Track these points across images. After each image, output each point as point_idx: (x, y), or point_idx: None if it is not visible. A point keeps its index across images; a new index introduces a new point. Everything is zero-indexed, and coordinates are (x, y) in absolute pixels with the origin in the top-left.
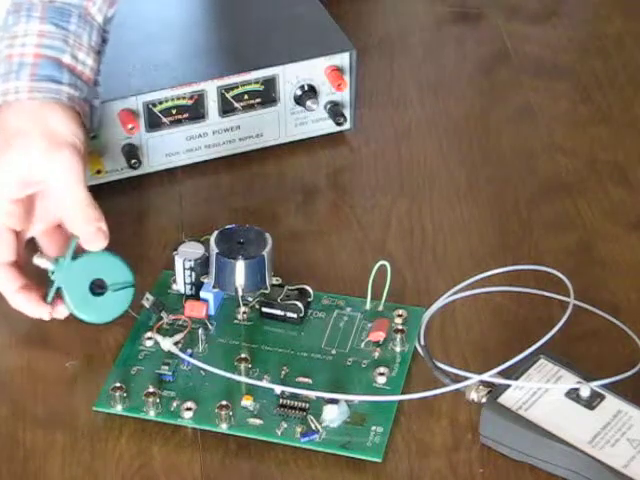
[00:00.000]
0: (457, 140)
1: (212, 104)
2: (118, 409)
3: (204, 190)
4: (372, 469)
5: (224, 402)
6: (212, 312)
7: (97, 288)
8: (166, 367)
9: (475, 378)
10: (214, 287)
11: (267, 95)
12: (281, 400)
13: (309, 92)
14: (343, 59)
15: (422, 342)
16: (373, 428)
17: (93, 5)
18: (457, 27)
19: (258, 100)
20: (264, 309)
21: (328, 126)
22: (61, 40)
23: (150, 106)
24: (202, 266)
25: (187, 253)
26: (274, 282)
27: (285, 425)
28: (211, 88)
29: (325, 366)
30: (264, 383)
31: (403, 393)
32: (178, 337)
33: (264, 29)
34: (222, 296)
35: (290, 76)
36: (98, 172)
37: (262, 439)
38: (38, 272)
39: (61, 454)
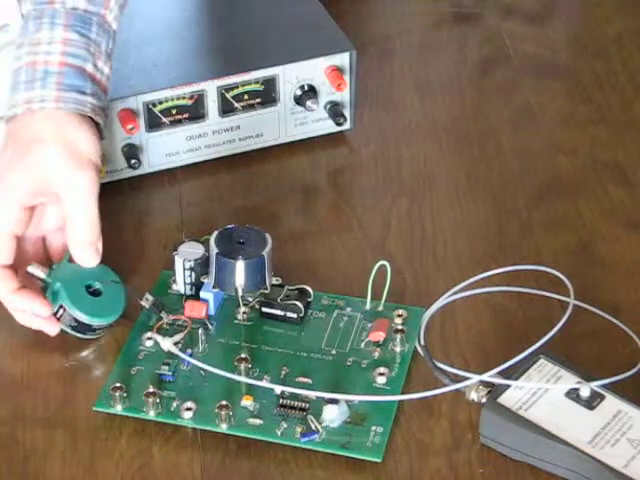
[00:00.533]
0: (457, 140)
1: (212, 104)
2: (118, 409)
3: (204, 190)
4: (372, 469)
5: (224, 402)
6: (212, 312)
7: (91, 293)
8: (166, 367)
9: (475, 378)
10: (214, 287)
11: (267, 95)
12: (281, 400)
13: (309, 92)
14: (343, 59)
15: (422, 342)
16: (373, 428)
17: (110, 13)
18: (457, 27)
19: (258, 100)
20: (264, 309)
21: (328, 126)
22: (84, 49)
23: (150, 106)
24: (202, 266)
25: (187, 253)
26: (274, 282)
27: (285, 425)
28: (211, 88)
29: (325, 366)
30: (264, 383)
31: (403, 393)
32: (178, 337)
33: (264, 29)
34: (222, 296)
35: (290, 76)
36: None
37: (262, 439)
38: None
39: (61, 454)
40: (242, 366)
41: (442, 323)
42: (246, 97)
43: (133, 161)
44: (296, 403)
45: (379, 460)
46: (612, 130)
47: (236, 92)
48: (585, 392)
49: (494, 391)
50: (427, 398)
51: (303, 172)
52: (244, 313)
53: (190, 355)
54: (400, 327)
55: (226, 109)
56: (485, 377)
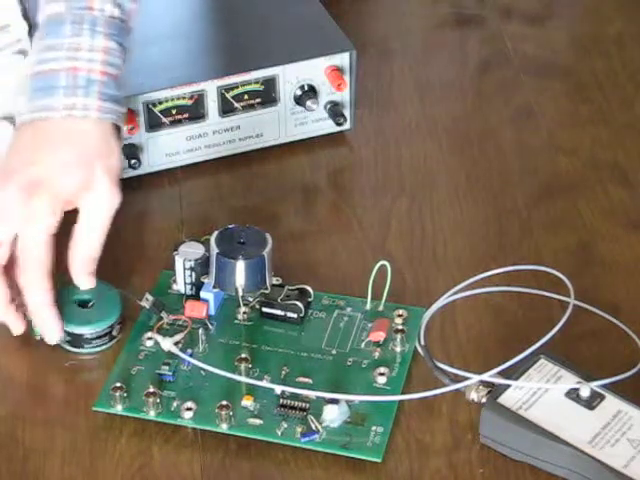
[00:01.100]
0: (457, 140)
1: (212, 104)
2: (118, 409)
3: (204, 190)
4: (372, 469)
5: (224, 402)
6: (212, 312)
7: (82, 306)
8: (166, 367)
9: (475, 378)
10: (214, 287)
11: (267, 95)
12: (281, 400)
13: (309, 92)
14: (343, 59)
15: (422, 342)
16: (373, 428)
17: (132, 20)
18: (457, 27)
19: (258, 100)
20: (264, 309)
21: (328, 126)
22: (120, 58)
23: (150, 106)
24: (202, 266)
25: (187, 253)
26: (274, 282)
27: (285, 425)
28: (211, 88)
29: (325, 366)
30: (264, 383)
31: (403, 393)
32: (178, 337)
33: (264, 29)
34: (222, 296)
35: (290, 76)
36: None
37: (262, 439)
38: None
39: (61, 454)
40: (242, 366)
41: (442, 323)
42: (246, 97)
43: (133, 161)
44: (296, 403)
45: (379, 460)
46: (612, 130)
47: (236, 92)
48: (585, 392)
49: (494, 391)
50: (427, 398)
51: (303, 172)
52: (244, 313)
53: (190, 355)
54: (400, 327)
55: (226, 109)
56: (485, 377)
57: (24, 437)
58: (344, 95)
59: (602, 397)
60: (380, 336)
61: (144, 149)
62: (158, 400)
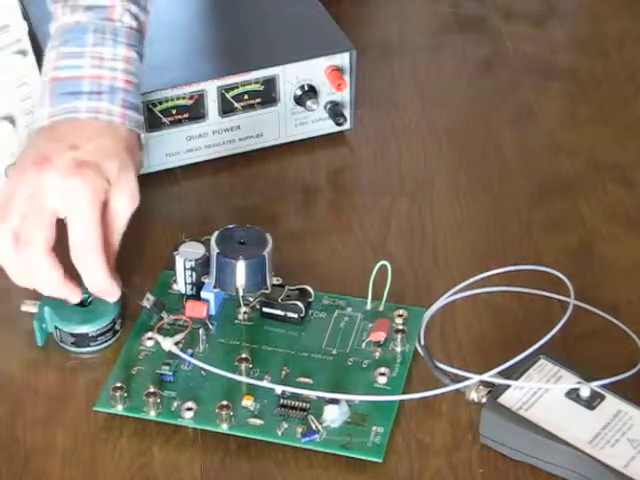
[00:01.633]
0: (457, 140)
1: (212, 104)
2: (118, 409)
3: (204, 190)
4: (372, 469)
5: (225, 402)
6: (213, 312)
7: (82, 305)
8: (167, 367)
9: (475, 378)
10: (215, 287)
11: (267, 95)
12: (282, 400)
13: (309, 92)
14: (343, 59)
15: (422, 342)
16: (373, 428)
17: (145, 30)
18: (457, 27)
19: (258, 100)
20: (265, 309)
21: (328, 126)
22: (139, 67)
23: (150, 106)
24: (203, 266)
25: (188, 253)
26: (275, 282)
27: (286, 425)
28: (211, 88)
29: (326, 366)
30: (265, 383)
31: (403, 393)
32: (179, 337)
33: (264, 29)
34: (223, 296)
35: (290, 76)
36: None
37: (262, 439)
38: None
39: (61, 454)
40: (243, 366)
41: (442, 323)
42: (246, 97)
43: None
44: (297, 403)
45: (380, 460)
46: (612, 130)
47: (236, 92)
48: (585, 392)
49: (494, 391)
50: (427, 398)
51: (303, 172)
52: (245, 313)
53: (191, 355)
54: (401, 327)
55: (226, 109)
56: (485, 377)
57: (24, 437)
58: (344, 95)
59: (602, 397)
60: (380, 336)
61: (144, 149)
62: (158, 400)
